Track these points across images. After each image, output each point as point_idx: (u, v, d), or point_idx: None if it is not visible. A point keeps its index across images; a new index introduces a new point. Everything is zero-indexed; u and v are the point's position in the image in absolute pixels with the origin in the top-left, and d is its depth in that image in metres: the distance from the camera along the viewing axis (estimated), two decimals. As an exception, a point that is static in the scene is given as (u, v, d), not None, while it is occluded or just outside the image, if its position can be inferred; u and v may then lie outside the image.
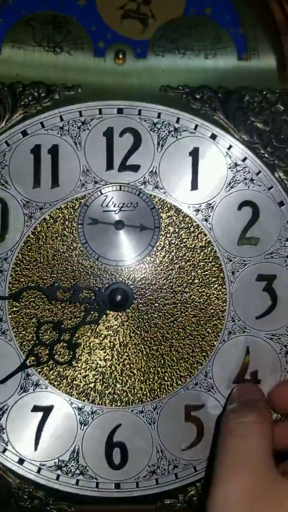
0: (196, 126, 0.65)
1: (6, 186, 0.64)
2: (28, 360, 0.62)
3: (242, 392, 0.59)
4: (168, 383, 0.63)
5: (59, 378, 0.63)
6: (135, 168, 0.64)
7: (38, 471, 0.62)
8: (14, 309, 0.63)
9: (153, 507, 0.62)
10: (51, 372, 0.63)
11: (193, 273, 0.64)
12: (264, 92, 0.65)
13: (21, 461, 0.62)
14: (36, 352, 0.62)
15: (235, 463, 0.49)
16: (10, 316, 0.63)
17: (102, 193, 0.64)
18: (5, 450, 0.62)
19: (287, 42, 0.63)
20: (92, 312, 0.63)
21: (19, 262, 0.63)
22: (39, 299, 0.63)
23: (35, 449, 0.62)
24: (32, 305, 0.63)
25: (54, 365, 0.63)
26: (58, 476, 0.62)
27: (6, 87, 0.64)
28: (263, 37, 0.66)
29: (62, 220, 0.64)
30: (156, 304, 0.64)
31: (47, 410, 0.62)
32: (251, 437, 0.51)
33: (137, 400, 0.63)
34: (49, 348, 0.62)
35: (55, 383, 0.63)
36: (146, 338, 0.64)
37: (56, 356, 0.63)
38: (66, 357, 0.63)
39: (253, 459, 0.49)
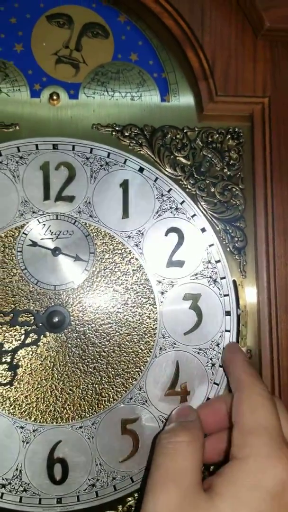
0: (126, 160, 0.71)
1: None
2: None
3: (178, 413, 0.63)
4: (106, 398, 0.67)
5: (1, 399, 0.66)
6: (70, 198, 0.70)
7: (-19, 491, 0.64)
8: None
9: (95, 520, 0.65)
10: (-7, 394, 0.66)
11: (126, 295, 0.69)
12: (184, 130, 0.72)
13: None
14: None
15: (163, 479, 0.52)
16: None
17: (40, 222, 0.69)
18: None
19: (203, 87, 0.71)
20: (31, 335, 0.66)
21: None
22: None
23: (-22, 469, 0.64)
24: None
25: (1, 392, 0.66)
26: (1, 494, 0.64)
27: None
28: (182, 80, 0.74)
29: (2, 248, 0.68)
30: (92, 325, 0.68)
31: (-11, 431, 0.65)
32: (179, 455, 0.54)
33: (77, 417, 0.67)
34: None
35: (1, 408, 0.66)
36: (83, 357, 0.68)
37: (-2, 378, 0.66)
38: (7, 378, 0.66)
39: (180, 476, 0.52)
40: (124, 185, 0.71)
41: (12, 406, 0.66)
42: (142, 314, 0.69)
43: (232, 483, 0.50)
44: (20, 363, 0.66)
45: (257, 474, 0.50)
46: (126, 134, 0.72)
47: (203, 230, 0.71)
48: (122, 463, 0.67)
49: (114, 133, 0.72)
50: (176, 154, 0.72)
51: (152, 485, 0.52)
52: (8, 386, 0.65)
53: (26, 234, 0.68)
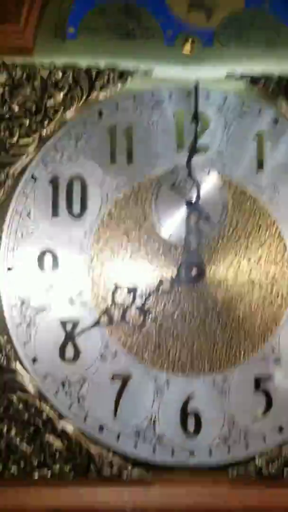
0: (260, 110, 0.69)
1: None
2: (101, 319, 0.64)
3: None
4: (238, 356, 0.66)
5: (135, 348, 0.65)
6: (204, 148, 0.67)
7: (117, 438, 0.64)
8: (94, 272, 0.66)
9: (225, 478, 0.64)
10: (128, 342, 0.65)
11: (259, 251, 0.67)
12: None
13: (101, 428, 0.64)
14: (110, 313, 0.65)
15: None
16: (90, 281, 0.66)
17: (172, 173, 0.67)
18: (86, 417, 0.64)
19: None
20: (166, 284, 0.65)
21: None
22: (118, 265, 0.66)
23: (114, 417, 0.64)
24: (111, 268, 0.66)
25: (130, 335, 0.65)
26: (136, 443, 0.64)
27: (82, 71, 0.67)
28: None
29: (135, 199, 0.67)
30: (226, 283, 0.67)
31: (124, 378, 0.65)
32: None
33: (209, 371, 0.65)
34: (122, 310, 0.65)
35: (132, 353, 0.65)
36: (216, 314, 0.66)
37: (128, 319, 0.65)
38: (138, 322, 0.65)
39: None
40: (258, 135, 0.68)
41: (145, 356, 0.65)
42: (275, 274, 0.67)
43: None
44: (151, 309, 0.65)
45: None
46: (261, 84, 0.69)
47: None
48: (255, 421, 0.65)
49: (248, 83, 0.69)
50: (313, 104, 0.69)
51: None
52: (137, 329, 0.65)
53: (160, 186, 0.67)
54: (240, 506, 0.61)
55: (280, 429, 0.65)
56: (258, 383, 0.65)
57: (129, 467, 0.64)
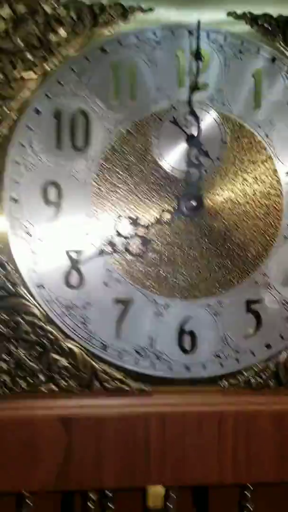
0: (259, 49, 0.71)
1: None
2: (105, 248, 0.69)
3: None
4: (232, 280, 0.72)
5: (137, 275, 0.71)
6: (204, 86, 0.71)
7: (119, 356, 0.70)
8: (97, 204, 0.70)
9: (218, 388, 0.71)
10: (130, 269, 0.70)
11: (255, 185, 0.72)
12: None
13: (104, 347, 0.70)
14: (114, 243, 0.69)
15: None
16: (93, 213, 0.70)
17: (175, 109, 0.70)
18: (90, 338, 0.70)
19: None
20: (167, 215, 0.70)
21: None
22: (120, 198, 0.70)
23: (117, 336, 0.70)
24: (113, 200, 0.70)
25: (132, 263, 0.70)
26: (136, 360, 0.71)
27: (85, 7, 0.69)
28: None
29: (136, 134, 0.70)
30: (222, 213, 0.71)
31: (126, 303, 0.70)
32: None
33: (204, 295, 0.71)
34: (124, 240, 0.70)
35: (134, 279, 0.70)
36: (212, 242, 0.71)
37: (130, 248, 0.70)
38: (139, 251, 0.70)
39: None
40: (256, 74, 0.71)
41: (146, 282, 0.71)
42: (269, 206, 0.72)
43: None
44: (152, 239, 0.70)
45: None
46: (260, 23, 0.71)
47: None
48: (246, 339, 0.72)
49: (248, 22, 0.71)
50: (309, 45, 0.72)
51: None
52: (139, 258, 0.70)
53: (162, 120, 0.70)
54: (231, 411, 0.69)
55: (268, 346, 0.72)
56: (249, 305, 0.72)
57: (131, 381, 0.70)
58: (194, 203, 0.70)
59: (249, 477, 0.70)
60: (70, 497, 0.76)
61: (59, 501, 0.77)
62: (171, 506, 0.70)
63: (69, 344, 0.70)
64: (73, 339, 0.70)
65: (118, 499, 0.71)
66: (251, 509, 0.73)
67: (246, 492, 0.73)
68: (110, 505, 0.71)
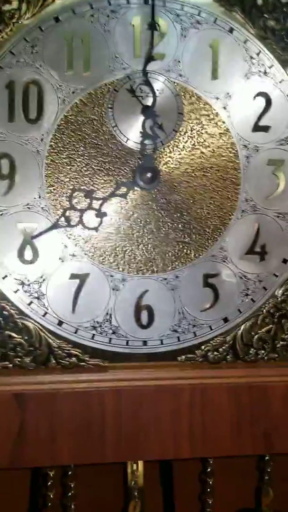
0: (216, 19, 0.70)
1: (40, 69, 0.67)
2: (59, 221, 0.68)
3: None
4: (189, 254, 0.71)
5: (93, 249, 0.70)
6: (161, 56, 0.69)
7: (75, 332, 0.69)
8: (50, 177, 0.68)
9: (175, 363, 0.71)
10: (86, 244, 0.69)
11: (212, 159, 0.71)
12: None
13: (60, 323, 0.69)
14: (67, 215, 0.68)
15: None
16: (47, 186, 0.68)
17: (130, 79, 0.69)
18: (45, 314, 0.69)
19: None
20: (122, 187, 0.69)
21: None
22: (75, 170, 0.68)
23: (73, 312, 0.69)
24: (68, 173, 0.68)
25: (88, 238, 0.69)
26: (93, 335, 0.70)
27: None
28: None
29: (92, 105, 0.69)
30: (179, 186, 0.71)
31: (82, 278, 0.69)
32: None
33: (162, 270, 0.71)
34: (79, 213, 0.68)
35: (90, 254, 0.69)
36: (169, 215, 0.71)
37: (85, 222, 0.69)
38: (94, 224, 0.69)
39: None
40: (214, 44, 0.70)
41: (102, 257, 0.70)
42: (227, 179, 0.71)
43: None
44: (108, 212, 0.69)
45: None
46: (217, -8, 0.70)
47: (289, 96, 0.72)
48: (203, 312, 0.71)
49: (205, -9, 0.70)
50: (267, 16, 0.71)
51: None
52: (95, 231, 0.68)
53: (117, 91, 0.69)
54: (187, 385, 0.68)
55: (225, 320, 0.72)
56: (206, 279, 0.71)
57: (87, 357, 0.69)
58: (149, 175, 0.69)
59: (206, 451, 0.70)
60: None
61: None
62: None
63: (24, 321, 0.68)
64: (28, 316, 0.69)
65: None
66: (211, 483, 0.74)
67: (207, 464, 0.74)
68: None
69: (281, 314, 0.73)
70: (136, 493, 0.74)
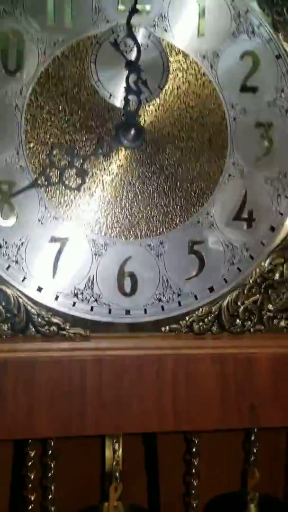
0: (203, -26, 0.67)
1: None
2: (39, 180, 0.64)
3: None
4: (174, 220, 0.68)
5: (74, 211, 0.66)
6: (147, 12, 0.66)
7: (56, 299, 0.65)
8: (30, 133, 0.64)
9: (158, 333, 0.68)
10: (67, 207, 0.65)
11: (199, 119, 0.68)
12: None
13: (39, 289, 0.65)
14: (47, 174, 0.64)
15: None
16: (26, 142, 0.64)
17: (113, 32, 0.65)
18: (24, 279, 0.65)
19: None
20: (105, 145, 0.65)
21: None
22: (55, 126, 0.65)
23: (53, 278, 0.65)
24: (48, 129, 0.64)
25: (70, 200, 0.65)
26: (74, 303, 0.66)
27: None
28: None
29: (74, 59, 0.65)
30: (164, 146, 0.67)
31: (63, 242, 0.65)
32: None
33: (146, 235, 0.67)
34: (59, 171, 0.64)
35: (71, 216, 0.66)
36: (154, 177, 0.67)
37: (65, 180, 0.65)
38: (75, 183, 0.65)
39: None
40: (201, 0, 0.67)
41: (84, 219, 0.66)
42: (213, 141, 0.68)
43: None
44: (90, 172, 0.65)
45: None
46: None
47: (277, 56, 0.69)
48: (188, 281, 0.69)
49: None
50: (256, -27, 0.68)
51: None
52: (78, 193, 0.65)
53: (100, 44, 0.65)
54: (171, 354, 0.65)
55: (211, 289, 0.69)
56: (192, 246, 0.68)
57: (67, 325, 0.66)
58: (133, 132, 0.65)
59: (190, 424, 0.67)
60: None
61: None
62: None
63: (2, 286, 0.64)
64: (5, 280, 0.64)
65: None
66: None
67: (192, 444, 0.71)
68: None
69: (268, 284, 0.70)
70: (117, 474, 0.71)
